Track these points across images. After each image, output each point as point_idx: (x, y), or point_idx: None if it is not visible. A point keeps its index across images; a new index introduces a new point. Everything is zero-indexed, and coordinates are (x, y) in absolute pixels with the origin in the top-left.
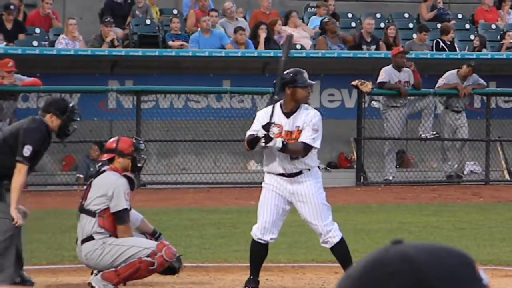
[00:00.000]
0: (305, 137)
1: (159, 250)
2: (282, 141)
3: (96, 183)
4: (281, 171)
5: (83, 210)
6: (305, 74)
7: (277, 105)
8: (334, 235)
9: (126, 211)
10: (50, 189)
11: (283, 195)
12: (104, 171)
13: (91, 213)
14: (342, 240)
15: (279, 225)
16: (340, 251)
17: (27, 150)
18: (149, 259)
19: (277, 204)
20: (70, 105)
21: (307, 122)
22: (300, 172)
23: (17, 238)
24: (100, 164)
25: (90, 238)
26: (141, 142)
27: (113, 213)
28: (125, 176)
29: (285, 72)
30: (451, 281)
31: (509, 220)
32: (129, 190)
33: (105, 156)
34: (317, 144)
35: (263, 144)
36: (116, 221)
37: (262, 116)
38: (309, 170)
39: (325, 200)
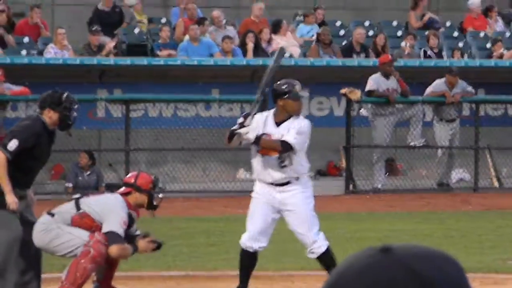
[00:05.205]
0: (286, 137)
1: (91, 238)
2: (257, 134)
3: (104, 198)
4: (270, 180)
5: (77, 200)
6: (298, 86)
7: (270, 113)
8: (320, 245)
9: (114, 234)
10: (39, 198)
11: (272, 204)
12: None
13: (78, 207)
14: (328, 250)
15: (269, 233)
16: (326, 261)
17: (12, 144)
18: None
19: (266, 214)
20: (64, 95)
21: (293, 126)
22: (288, 182)
23: (24, 245)
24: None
25: (52, 214)
26: (159, 180)
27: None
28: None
29: (278, 83)
30: None
31: (498, 227)
32: (126, 220)
33: (123, 190)
34: (296, 142)
35: (238, 125)
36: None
37: (256, 118)
38: (297, 179)
39: (313, 210)
